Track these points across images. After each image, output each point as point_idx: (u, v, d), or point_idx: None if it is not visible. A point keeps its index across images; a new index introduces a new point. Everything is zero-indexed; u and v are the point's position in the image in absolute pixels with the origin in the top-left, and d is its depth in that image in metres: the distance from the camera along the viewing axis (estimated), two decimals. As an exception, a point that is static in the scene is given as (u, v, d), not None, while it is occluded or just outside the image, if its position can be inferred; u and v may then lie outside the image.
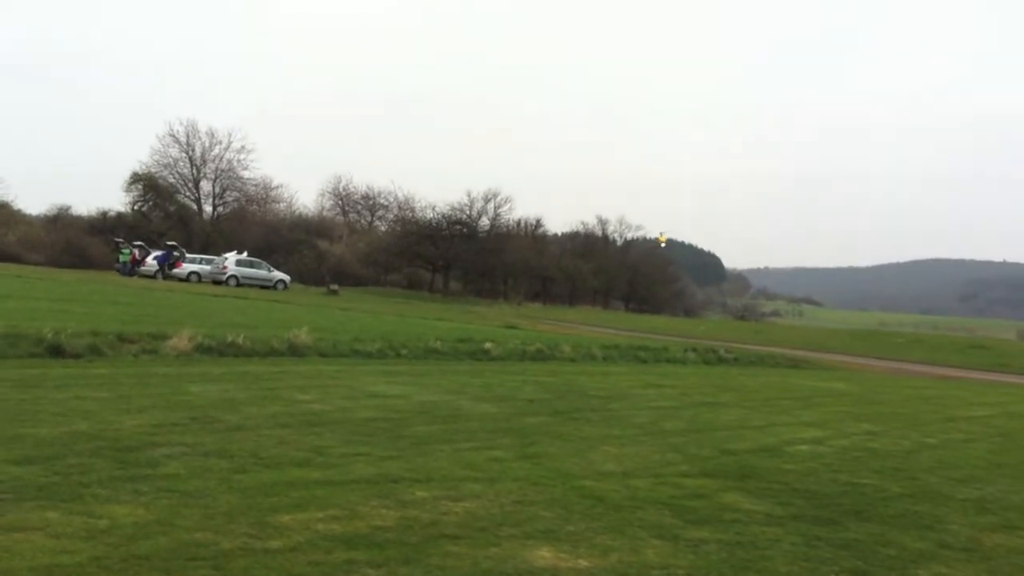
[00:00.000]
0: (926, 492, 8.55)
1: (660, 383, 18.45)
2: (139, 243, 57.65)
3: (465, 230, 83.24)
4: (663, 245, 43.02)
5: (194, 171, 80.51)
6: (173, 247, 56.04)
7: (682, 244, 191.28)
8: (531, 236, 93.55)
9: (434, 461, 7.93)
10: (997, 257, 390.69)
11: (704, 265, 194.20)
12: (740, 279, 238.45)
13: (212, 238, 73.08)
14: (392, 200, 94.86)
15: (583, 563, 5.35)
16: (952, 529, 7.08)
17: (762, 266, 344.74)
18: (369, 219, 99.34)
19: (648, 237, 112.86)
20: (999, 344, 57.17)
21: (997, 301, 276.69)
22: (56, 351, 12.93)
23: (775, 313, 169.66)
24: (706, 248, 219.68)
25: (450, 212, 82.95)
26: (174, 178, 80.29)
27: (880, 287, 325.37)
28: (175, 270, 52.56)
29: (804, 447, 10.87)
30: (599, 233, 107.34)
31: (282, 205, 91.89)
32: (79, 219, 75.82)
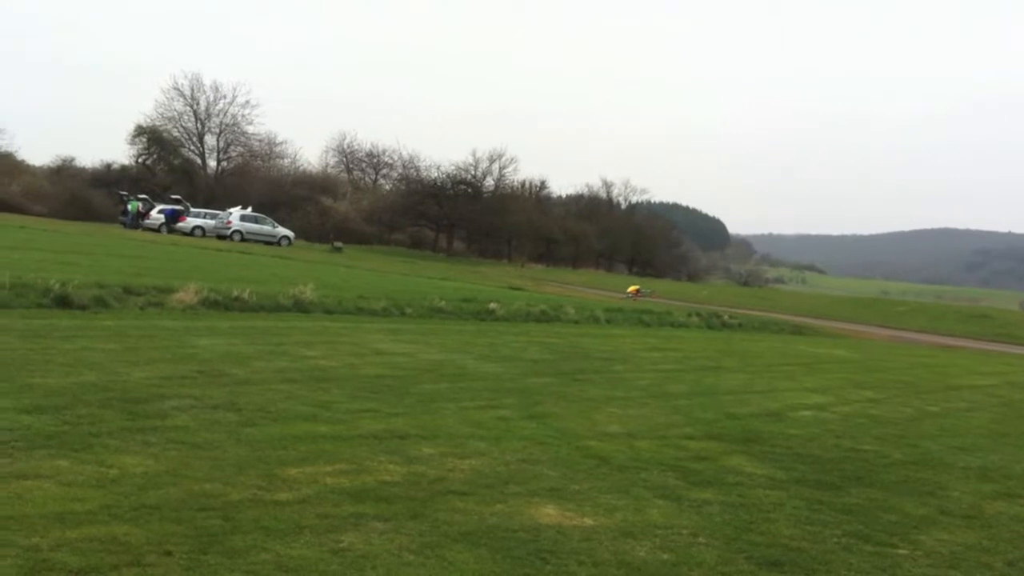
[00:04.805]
0: (927, 459, 8.60)
1: (664, 346, 18.51)
2: (143, 196, 57.49)
3: (470, 190, 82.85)
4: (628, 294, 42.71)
5: (198, 125, 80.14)
6: (178, 201, 55.91)
7: (687, 209, 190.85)
8: (535, 197, 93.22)
9: (440, 419, 7.98)
10: (1003, 228, 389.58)
11: (708, 230, 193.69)
12: (744, 245, 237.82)
13: (216, 193, 72.71)
14: (396, 158, 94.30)
15: (588, 521, 5.40)
16: (953, 496, 7.13)
17: (766, 232, 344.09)
18: (373, 177, 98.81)
19: (653, 201, 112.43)
20: (1002, 314, 57.04)
21: (1002, 272, 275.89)
22: (63, 302, 12.96)
23: (778, 279, 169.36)
24: (711, 213, 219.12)
25: (455, 172, 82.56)
26: (178, 132, 79.95)
27: (884, 255, 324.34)
28: (179, 224, 52.46)
29: (807, 413, 10.93)
30: (604, 196, 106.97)
31: (286, 161, 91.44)
32: (83, 171, 75.58)
